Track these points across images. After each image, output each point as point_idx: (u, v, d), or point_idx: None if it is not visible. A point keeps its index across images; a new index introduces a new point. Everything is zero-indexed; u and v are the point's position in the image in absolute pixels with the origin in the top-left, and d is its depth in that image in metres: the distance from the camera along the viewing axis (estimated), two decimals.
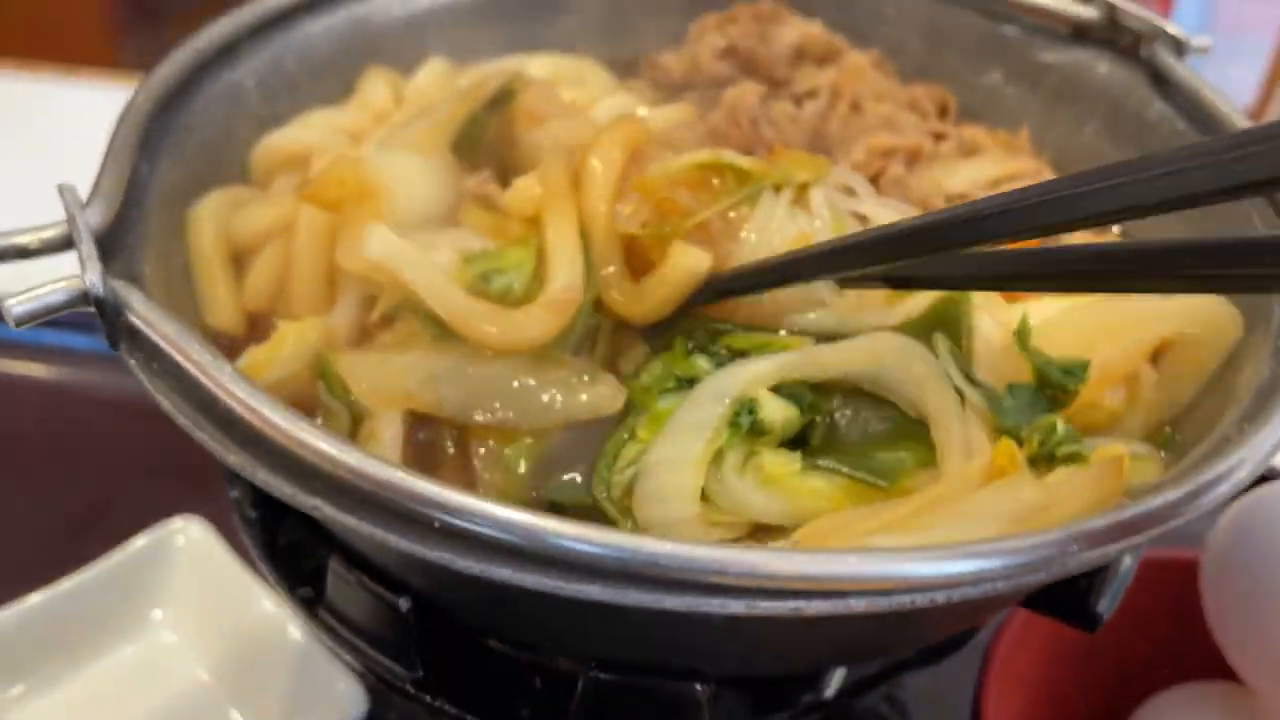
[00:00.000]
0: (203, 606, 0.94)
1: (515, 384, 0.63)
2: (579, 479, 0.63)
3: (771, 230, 0.68)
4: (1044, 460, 0.61)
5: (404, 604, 0.62)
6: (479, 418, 0.61)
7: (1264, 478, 0.93)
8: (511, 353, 0.64)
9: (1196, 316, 0.68)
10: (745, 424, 0.62)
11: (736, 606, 0.47)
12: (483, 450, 0.63)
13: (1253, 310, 0.68)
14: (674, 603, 0.46)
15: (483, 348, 0.64)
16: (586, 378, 0.64)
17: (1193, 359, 0.68)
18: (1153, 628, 0.87)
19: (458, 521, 0.47)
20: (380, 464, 0.48)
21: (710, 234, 0.68)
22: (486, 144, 0.80)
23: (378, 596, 0.63)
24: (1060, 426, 0.61)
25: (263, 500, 0.73)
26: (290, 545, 0.72)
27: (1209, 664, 0.82)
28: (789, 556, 0.47)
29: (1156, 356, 0.71)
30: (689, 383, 0.65)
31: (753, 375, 0.63)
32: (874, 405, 0.64)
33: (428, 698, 0.69)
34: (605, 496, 0.63)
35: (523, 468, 0.63)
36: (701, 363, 0.66)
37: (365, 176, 0.68)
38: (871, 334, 0.64)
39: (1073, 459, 0.60)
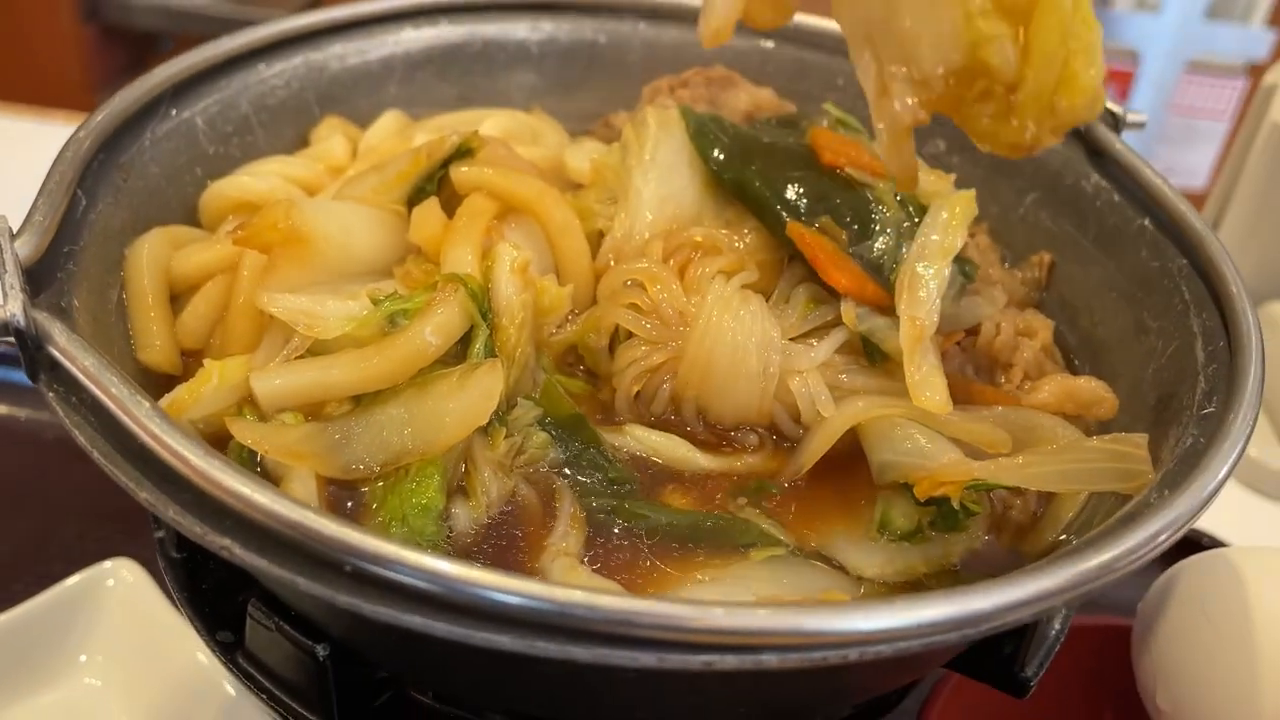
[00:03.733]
0: (131, 653, 0.91)
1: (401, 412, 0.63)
2: None
3: None
4: None
5: (322, 651, 0.61)
6: (377, 465, 0.61)
7: (1190, 543, 0.95)
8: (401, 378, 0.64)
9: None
10: None
11: (647, 659, 0.46)
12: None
13: (1178, 376, 0.69)
14: (582, 654, 0.46)
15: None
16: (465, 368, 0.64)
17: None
18: (1080, 692, 0.88)
19: (368, 566, 0.47)
20: (292, 505, 0.48)
21: None
22: (444, 200, 0.80)
23: (296, 643, 0.61)
24: None
25: (187, 542, 0.71)
26: (213, 589, 0.71)
27: None
28: (701, 610, 0.46)
29: None
30: None
31: None
32: None
33: None
34: None
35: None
36: None
37: (297, 223, 0.69)
38: None
39: None
